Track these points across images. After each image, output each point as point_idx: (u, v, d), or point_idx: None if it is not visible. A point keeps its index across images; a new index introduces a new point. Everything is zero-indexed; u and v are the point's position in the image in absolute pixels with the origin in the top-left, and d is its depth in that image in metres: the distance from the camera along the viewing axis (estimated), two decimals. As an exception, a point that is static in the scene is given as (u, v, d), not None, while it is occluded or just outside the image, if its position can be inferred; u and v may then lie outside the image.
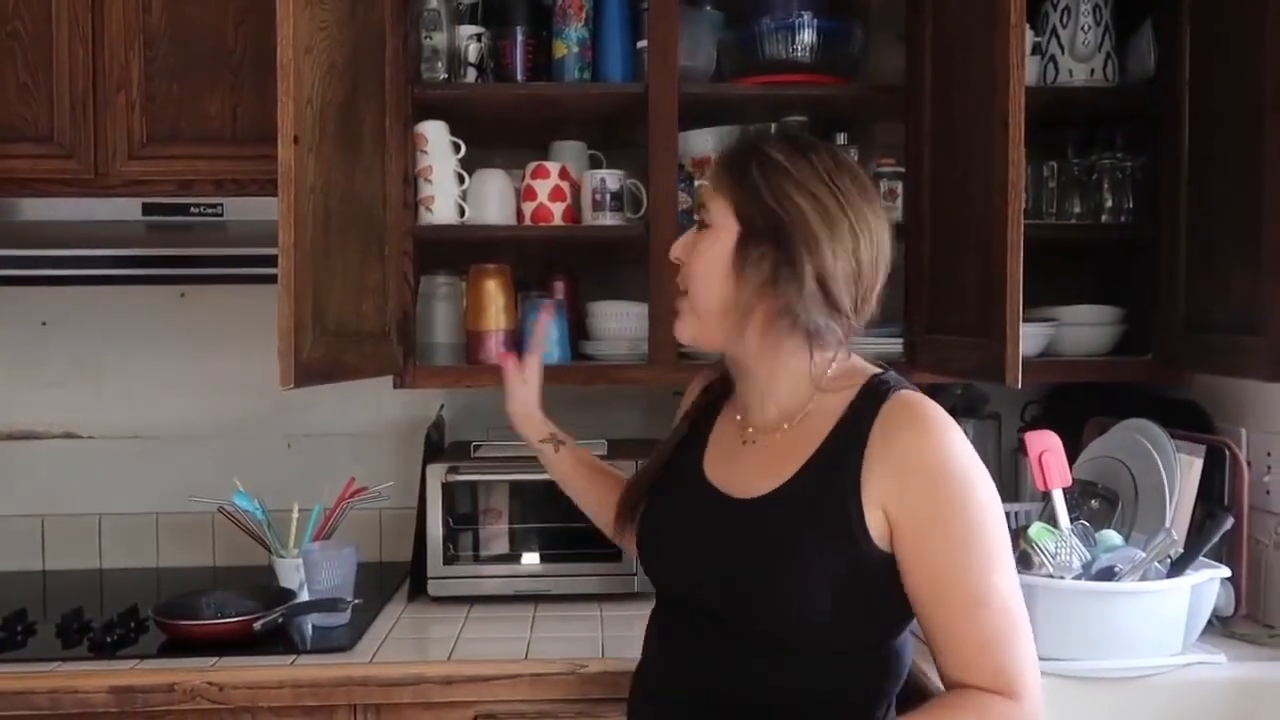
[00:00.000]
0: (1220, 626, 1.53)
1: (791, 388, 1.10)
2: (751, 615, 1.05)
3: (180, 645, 1.53)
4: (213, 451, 2.06)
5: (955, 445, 1.01)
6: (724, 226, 1.08)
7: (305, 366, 1.36)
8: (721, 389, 1.22)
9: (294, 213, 1.33)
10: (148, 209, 1.75)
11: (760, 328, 1.07)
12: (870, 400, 1.06)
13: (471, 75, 1.80)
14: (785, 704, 1.05)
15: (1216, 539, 1.42)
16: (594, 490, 1.44)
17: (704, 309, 1.10)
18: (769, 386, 1.12)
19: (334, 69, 1.46)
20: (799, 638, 1.04)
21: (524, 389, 1.49)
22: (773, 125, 1.85)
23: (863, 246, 1.06)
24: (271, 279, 1.34)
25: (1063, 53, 1.81)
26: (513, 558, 1.81)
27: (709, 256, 1.08)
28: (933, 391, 2.02)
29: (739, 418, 1.16)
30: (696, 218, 1.13)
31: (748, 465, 1.12)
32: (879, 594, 1.02)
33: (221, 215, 1.75)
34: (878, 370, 1.11)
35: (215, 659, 1.48)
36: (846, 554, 1.01)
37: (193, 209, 1.75)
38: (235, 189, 1.76)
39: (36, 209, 1.76)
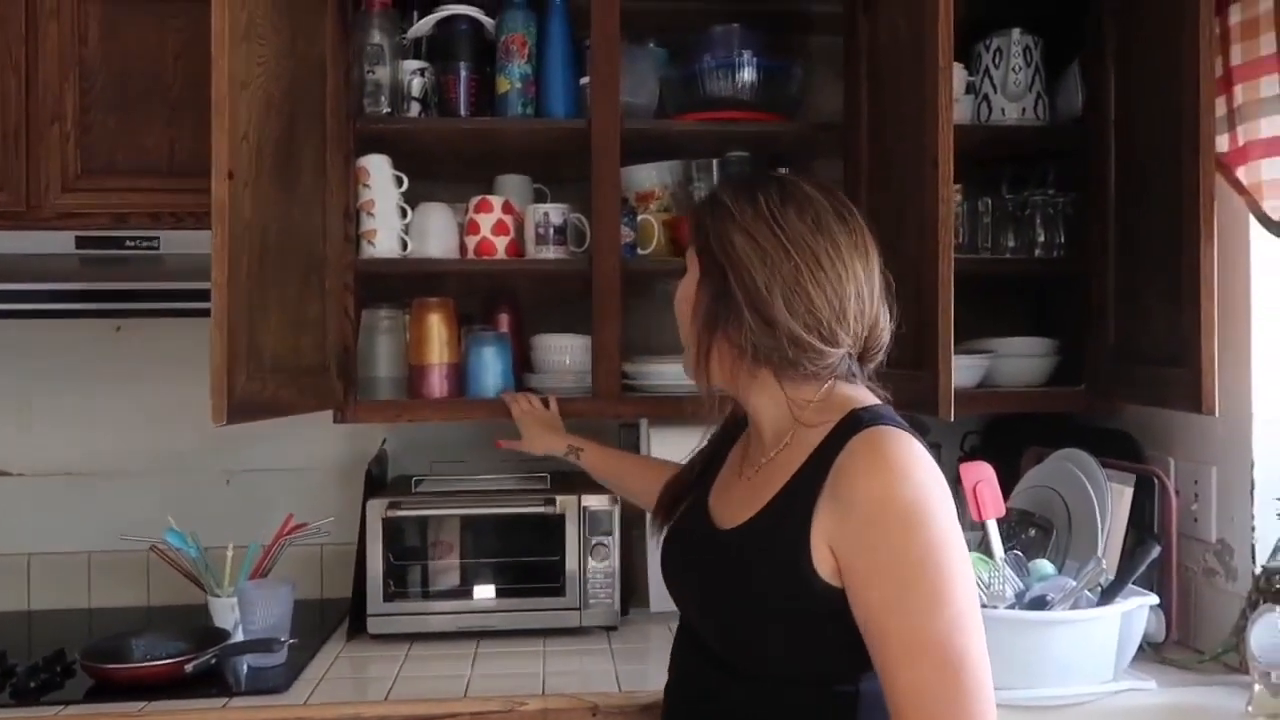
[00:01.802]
0: (1152, 653, 1.56)
1: (772, 420, 1.12)
2: (722, 643, 1.08)
3: (108, 689, 1.49)
4: (149, 488, 2.02)
5: (904, 483, 0.97)
6: (691, 269, 1.15)
7: (239, 402, 1.35)
8: (738, 422, 1.24)
9: (227, 248, 1.32)
10: (81, 242, 1.72)
11: (722, 363, 1.11)
12: (843, 434, 1.03)
13: (415, 110, 1.80)
14: None
15: (1145, 567, 1.45)
16: (625, 480, 1.67)
17: (687, 345, 1.16)
18: (755, 419, 1.15)
19: (271, 104, 1.46)
20: (761, 669, 1.05)
21: (543, 414, 1.72)
22: (714, 161, 1.88)
23: (812, 276, 1.06)
24: (208, 313, 1.33)
25: (995, 92, 1.86)
26: (455, 594, 1.79)
27: (680, 297, 1.17)
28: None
29: (746, 448, 1.20)
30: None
31: (735, 496, 1.14)
32: (837, 630, 0.99)
33: (157, 249, 1.73)
34: (866, 404, 1.07)
35: (144, 703, 1.43)
36: (796, 588, 1.00)
37: (128, 242, 1.73)
38: (172, 222, 1.74)
39: (-36, 242, 1.72)
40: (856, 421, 1.03)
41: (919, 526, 0.95)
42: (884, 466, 0.98)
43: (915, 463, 0.99)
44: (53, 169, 1.72)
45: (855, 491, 0.98)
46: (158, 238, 1.73)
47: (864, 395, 1.09)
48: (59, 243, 1.72)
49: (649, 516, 1.32)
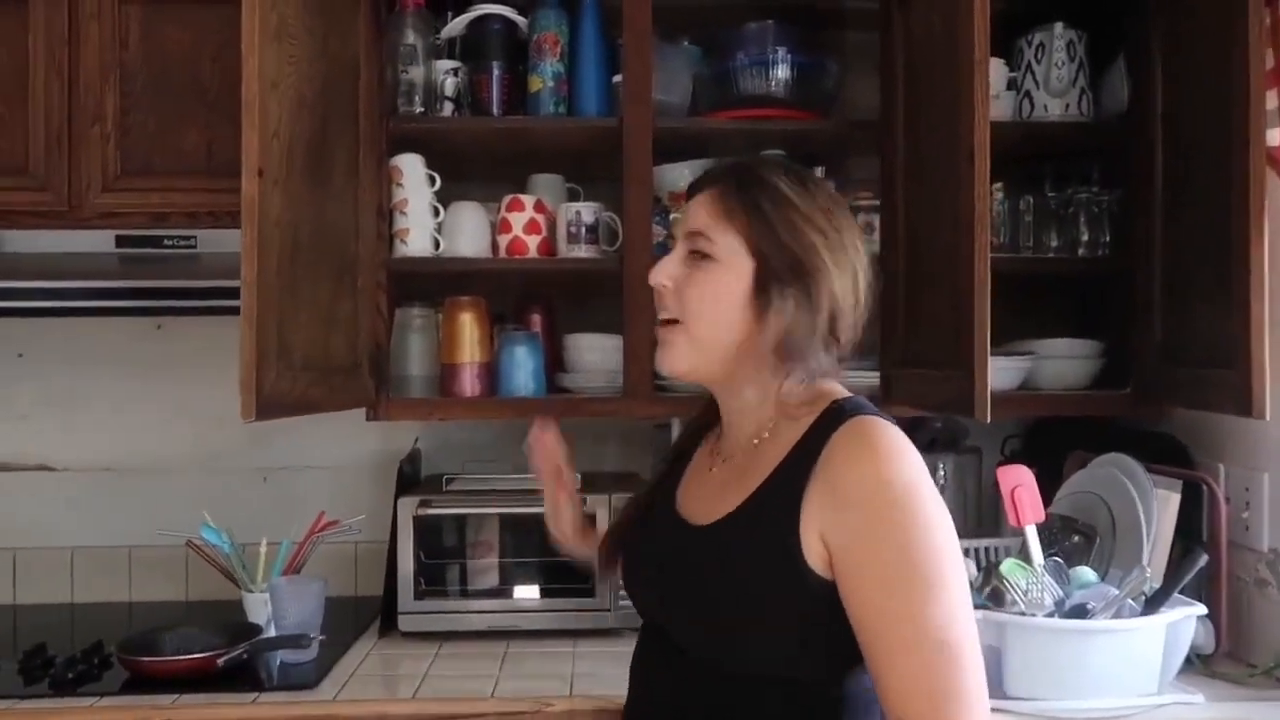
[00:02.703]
0: (1200, 665, 1.51)
1: (755, 414, 1.10)
2: (705, 644, 1.04)
3: (143, 682, 1.51)
4: (186, 484, 2.05)
5: (895, 471, 0.96)
6: (736, 261, 1.05)
7: (268, 399, 1.36)
8: (705, 421, 1.22)
9: (257, 246, 1.33)
10: (121, 241, 1.75)
11: (745, 358, 1.07)
12: (827, 425, 1.02)
13: (448, 109, 1.80)
14: None
15: (1191, 576, 1.40)
16: None
17: (710, 342, 1.07)
18: (736, 413, 1.12)
19: (303, 103, 1.46)
20: (744, 668, 1.01)
21: (571, 509, 1.39)
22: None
23: (860, 279, 1.08)
24: (240, 310, 1.34)
25: (1038, 88, 1.82)
26: (487, 593, 1.79)
27: (720, 290, 1.06)
28: (913, 425, 2.03)
29: (715, 444, 1.18)
30: (689, 245, 1.08)
31: (709, 492, 1.11)
32: (828, 625, 0.98)
33: (195, 247, 1.75)
34: (845, 395, 1.07)
35: (176, 696, 1.45)
36: (787, 581, 0.98)
37: (166, 241, 1.75)
38: (210, 221, 1.76)
39: (10, 241, 1.76)
40: (839, 412, 1.03)
41: (913, 511, 0.95)
42: (874, 454, 0.98)
43: (904, 450, 0.99)
44: (93, 169, 1.75)
45: (847, 479, 0.97)
46: (195, 237, 1.76)
47: (839, 387, 1.09)
48: (99, 242, 1.75)
49: (599, 553, 1.27)
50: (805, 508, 0.99)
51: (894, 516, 0.95)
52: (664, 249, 1.84)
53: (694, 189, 1.12)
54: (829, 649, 0.99)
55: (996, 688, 1.37)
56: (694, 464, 1.20)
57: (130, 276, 1.76)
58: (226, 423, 2.00)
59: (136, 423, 2.07)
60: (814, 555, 0.98)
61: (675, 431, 1.89)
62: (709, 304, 1.06)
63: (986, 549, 1.83)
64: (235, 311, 1.48)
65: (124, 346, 2.06)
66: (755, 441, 1.08)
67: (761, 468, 1.05)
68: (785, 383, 1.05)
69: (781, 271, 1.04)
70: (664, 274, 1.08)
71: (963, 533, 2.00)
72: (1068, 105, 1.81)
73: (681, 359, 1.08)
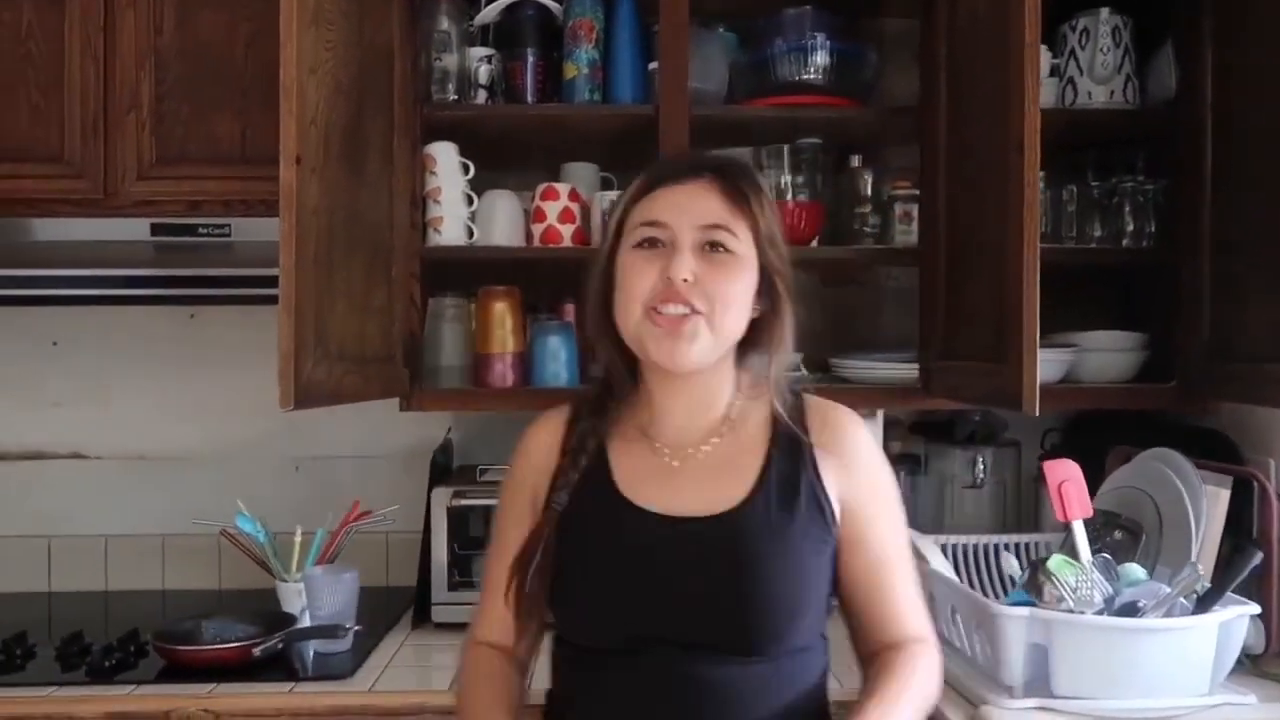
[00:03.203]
0: (1250, 665, 1.47)
1: (723, 399, 1.13)
2: (755, 630, 1.03)
3: (179, 670, 1.51)
4: (219, 473, 2.05)
5: (869, 433, 1.16)
6: (751, 256, 1.08)
7: (305, 388, 1.35)
8: (590, 425, 1.13)
9: (295, 234, 1.32)
10: (156, 229, 1.75)
11: (731, 349, 1.12)
12: (789, 404, 1.13)
13: (482, 96, 1.79)
14: (781, 712, 1.05)
15: (1245, 574, 1.37)
16: None
17: (729, 334, 1.08)
18: (711, 398, 1.13)
19: (339, 89, 1.45)
20: (791, 645, 1.06)
21: None
22: (785, 148, 1.83)
23: None
24: (278, 299, 1.33)
25: (1081, 75, 1.78)
26: (519, 585, 1.77)
27: (745, 284, 1.08)
28: (951, 418, 2.00)
29: (636, 435, 1.13)
30: (705, 237, 1.06)
31: (689, 484, 1.09)
32: (831, 582, 1.11)
33: (229, 236, 1.75)
34: (768, 375, 1.14)
35: (213, 685, 1.45)
36: (824, 547, 1.09)
37: (200, 229, 1.75)
38: (243, 209, 1.75)
39: (46, 229, 1.76)
40: (788, 390, 1.14)
41: (889, 467, 1.17)
42: (855, 421, 1.15)
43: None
44: (129, 157, 1.74)
45: (848, 445, 1.12)
46: (229, 225, 1.75)
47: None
48: (135, 230, 1.75)
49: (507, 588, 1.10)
50: (824, 475, 1.10)
51: (886, 470, 1.15)
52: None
53: (671, 178, 1.09)
54: (827, 605, 1.12)
55: (1043, 686, 1.34)
56: (626, 466, 1.10)
57: (165, 265, 1.75)
58: (259, 411, 2.02)
59: (170, 411, 2.07)
60: (837, 517, 1.10)
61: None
62: (734, 298, 1.07)
63: (1026, 545, 1.80)
64: (268, 300, 1.48)
65: (158, 335, 2.06)
66: (723, 427, 1.12)
67: (749, 449, 1.11)
68: (773, 370, 1.12)
69: (777, 269, 1.10)
70: (687, 269, 1.05)
71: (1002, 528, 1.99)
72: (1112, 92, 1.77)
73: (706, 352, 1.07)
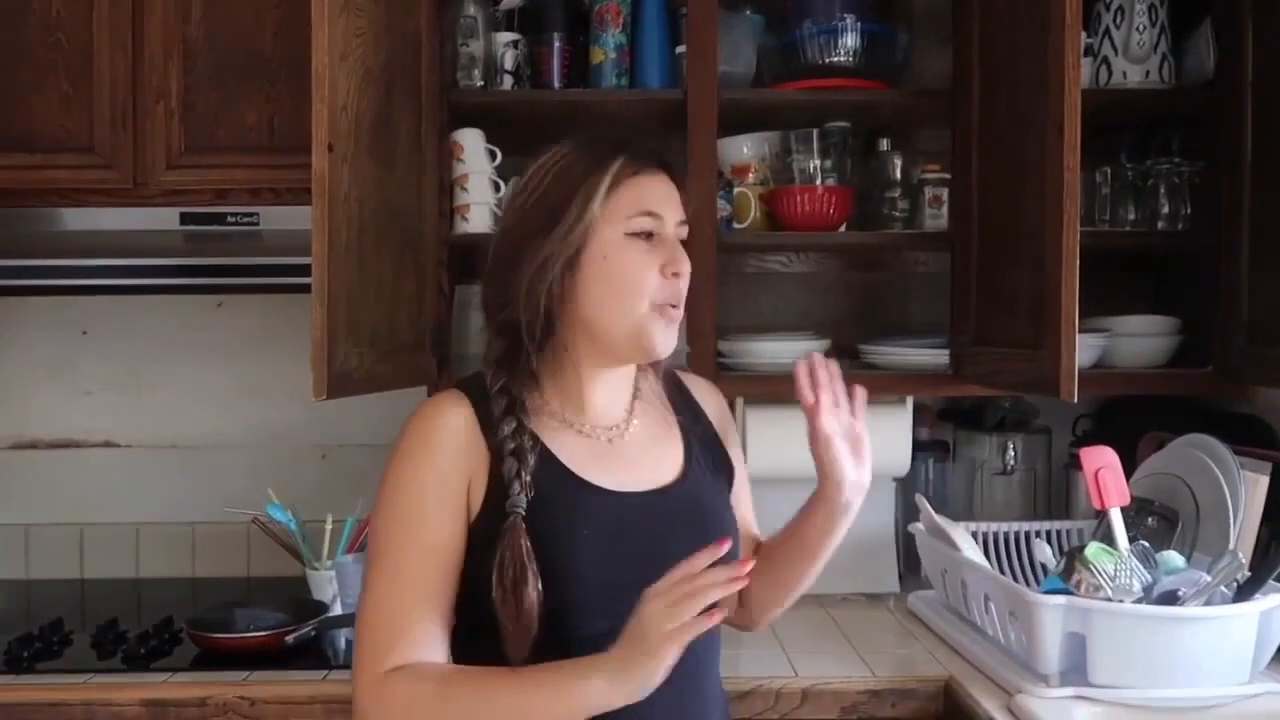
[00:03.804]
0: (1289, 654, 1.46)
1: (633, 379, 1.16)
2: None
3: (213, 658, 1.52)
4: (249, 461, 2.06)
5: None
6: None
7: (338, 377, 1.34)
8: (514, 416, 1.04)
9: (327, 221, 1.31)
10: (185, 218, 1.75)
11: None
12: (669, 378, 1.20)
13: (508, 82, 1.78)
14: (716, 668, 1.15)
15: (1287, 562, 1.35)
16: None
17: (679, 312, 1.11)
18: (628, 382, 1.14)
19: (369, 76, 1.44)
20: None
21: None
22: (814, 131, 1.81)
23: None
24: (307, 288, 1.33)
25: (1116, 54, 1.74)
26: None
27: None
28: (981, 404, 1.98)
29: (570, 426, 1.08)
30: (680, 234, 1.09)
31: (628, 461, 1.09)
32: None
33: (257, 224, 1.75)
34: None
35: (247, 673, 1.46)
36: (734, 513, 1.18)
37: (229, 218, 1.75)
38: (271, 198, 1.75)
39: (77, 219, 1.76)
40: (663, 366, 1.17)
41: None
42: (719, 389, 1.27)
43: None
44: (158, 146, 1.74)
45: (726, 412, 1.25)
46: (257, 214, 1.75)
47: None
48: (164, 219, 1.75)
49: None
50: (728, 447, 1.21)
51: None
52: (728, 224, 1.81)
53: (650, 166, 1.07)
54: None
55: (1079, 675, 1.33)
56: (563, 446, 1.06)
57: (193, 254, 1.76)
58: (286, 399, 2.03)
59: (199, 400, 2.08)
60: (734, 477, 1.21)
61: (739, 411, 1.85)
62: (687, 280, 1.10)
63: (1058, 532, 1.78)
64: (296, 289, 1.49)
65: (186, 324, 2.07)
66: (635, 405, 1.14)
67: (665, 421, 1.16)
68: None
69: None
70: (688, 266, 1.08)
71: (1032, 515, 1.97)
72: (1148, 72, 1.74)
73: (675, 338, 1.10)
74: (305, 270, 1.33)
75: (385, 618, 0.99)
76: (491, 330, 1.11)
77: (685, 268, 1.07)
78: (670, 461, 1.13)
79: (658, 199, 1.06)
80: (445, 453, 1.03)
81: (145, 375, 2.09)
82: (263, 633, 1.53)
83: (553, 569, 0.99)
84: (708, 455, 1.17)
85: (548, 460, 1.05)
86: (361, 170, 1.42)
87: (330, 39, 1.32)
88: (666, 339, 1.07)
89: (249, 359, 2.07)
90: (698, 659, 1.02)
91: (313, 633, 1.55)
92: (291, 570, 1.81)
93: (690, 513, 1.10)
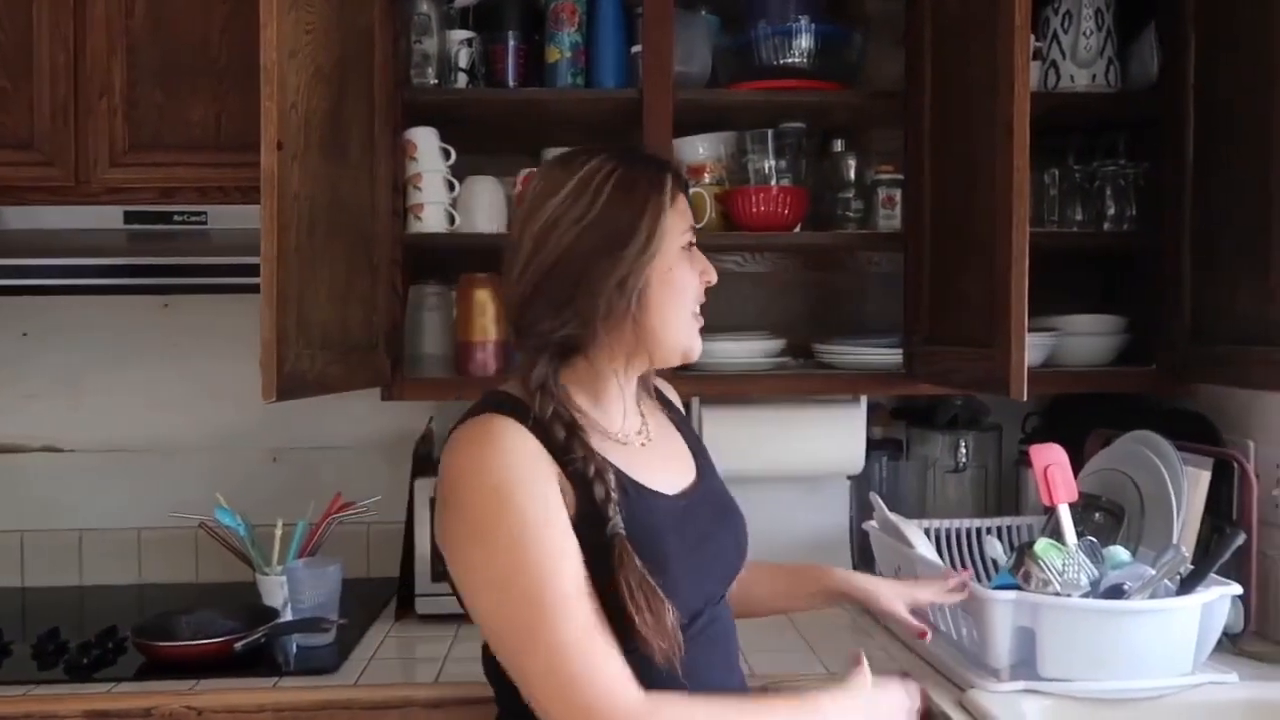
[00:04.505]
0: (1230, 644, 1.49)
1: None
2: (735, 575, 1.19)
3: (159, 667, 1.48)
4: (196, 465, 2.02)
5: None
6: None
7: (288, 379, 1.32)
8: (576, 433, 1.04)
9: (276, 221, 1.29)
10: (129, 217, 1.71)
11: None
12: (648, 382, 1.24)
13: (462, 80, 1.76)
14: None
15: (1228, 555, 1.38)
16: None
17: (697, 324, 1.15)
18: (630, 385, 1.16)
19: (320, 73, 1.42)
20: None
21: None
22: (769, 132, 1.82)
23: None
24: (256, 288, 1.31)
25: (1064, 58, 1.78)
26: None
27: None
28: (933, 403, 2.01)
29: (605, 435, 1.09)
30: (692, 235, 1.13)
31: (659, 463, 1.13)
32: None
33: (205, 223, 1.71)
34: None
35: (194, 682, 1.42)
36: None
37: (175, 217, 1.71)
38: (219, 196, 1.71)
39: (16, 217, 1.71)
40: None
41: None
42: None
43: None
44: (101, 143, 1.70)
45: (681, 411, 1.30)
46: (205, 212, 1.71)
47: None
48: (107, 218, 1.71)
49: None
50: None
51: None
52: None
53: (684, 181, 1.14)
54: None
55: (1029, 669, 1.35)
56: (624, 459, 1.08)
57: (138, 254, 1.71)
58: (236, 403, 2.00)
59: (145, 403, 2.04)
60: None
61: (695, 411, 1.86)
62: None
63: (1009, 528, 1.81)
64: (245, 289, 1.46)
65: (131, 326, 2.02)
66: (642, 409, 1.18)
67: (666, 423, 1.21)
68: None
69: None
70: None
71: (984, 511, 2.01)
72: (1094, 76, 1.77)
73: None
74: (255, 270, 1.31)
75: (593, 647, 0.94)
76: (535, 348, 1.06)
77: (713, 274, 1.14)
78: (685, 459, 1.19)
79: (693, 213, 1.14)
80: (541, 477, 0.99)
81: (88, 378, 2.04)
82: (210, 640, 1.50)
83: (658, 579, 0.99)
84: (705, 455, 1.23)
85: (616, 475, 1.04)
86: (312, 169, 1.40)
87: (279, 35, 1.29)
88: (700, 342, 1.14)
89: (197, 361, 2.03)
90: (736, 646, 1.16)
91: (263, 639, 1.52)
92: (242, 576, 1.77)
93: (720, 505, 1.18)
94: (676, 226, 1.08)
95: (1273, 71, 1.37)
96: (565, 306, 1.04)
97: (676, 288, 1.08)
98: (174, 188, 1.72)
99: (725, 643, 1.14)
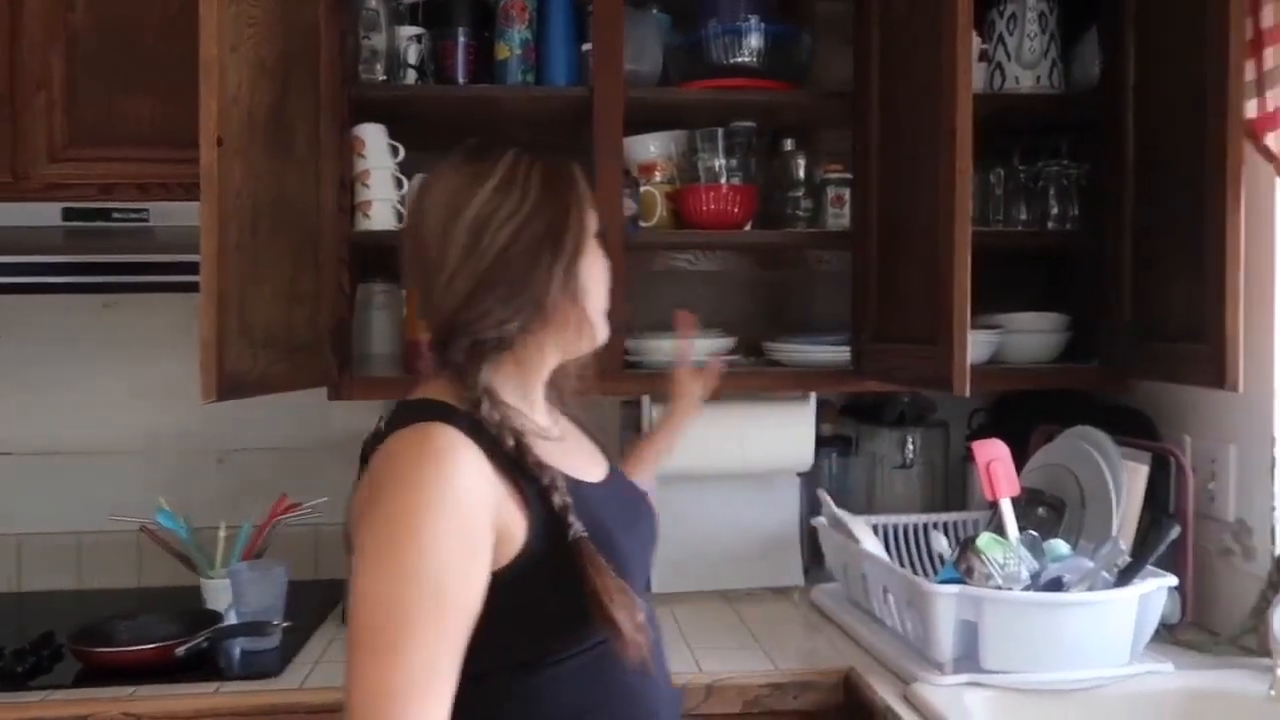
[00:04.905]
0: (1166, 634, 1.53)
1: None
2: (650, 563, 1.16)
3: (97, 674, 1.45)
4: (139, 468, 1.97)
5: None
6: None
7: (229, 379, 1.30)
8: (520, 440, 0.99)
9: (217, 218, 1.27)
10: (68, 214, 1.67)
11: None
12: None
13: (411, 77, 1.75)
14: None
15: (1164, 547, 1.41)
16: None
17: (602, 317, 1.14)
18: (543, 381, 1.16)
19: (263, 68, 1.40)
20: None
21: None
22: (719, 131, 1.83)
23: None
24: (198, 287, 1.28)
25: (1009, 60, 1.80)
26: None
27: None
28: (880, 399, 2.03)
29: (539, 430, 1.06)
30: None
31: (578, 454, 1.13)
32: None
33: (146, 220, 1.67)
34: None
35: (133, 688, 1.40)
36: None
37: (115, 214, 1.67)
38: (161, 193, 1.68)
39: (-52, 214, 1.67)
40: None
41: None
42: None
43: None
44: (39, 138, 1.66)
45: None
46: (147, 209, 1.68)
47: None
48: (45, 215, 1.66)
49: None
50: None
51: None
52: (634, 223, 1.82)
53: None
54: None
55: (972, 662, 1.37)
56: (552, 455, 1.03)
57: (78, 251, 1.68)
58: (179, 403, 1.95)
59: (85, 404, 1.99)
60: None
61: (645, 409, 1.86)
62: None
63: (955, 523, 1.84)
64: (188, 288, 1.43)
65: (71, 325, 1.97)
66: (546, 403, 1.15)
67: (565, 420, 1.18)
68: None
69: None
70: None
71: (931, 507, 2.04)
72: (1039, 77, 1.80)
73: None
74: (197, 268, 1.29)
75: (434, 694, 0.88)
76: (470, 350, 1.01)
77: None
78: (594, 449, 1.19)
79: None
80: (473, 503, 0.92)
81: (27, 379, 1.98)
82: (150, 645, 1.47)
83: (615, 566, 0.98)
84: (599, 439, 1.23)
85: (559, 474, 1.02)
86: (255, 165, 1.38)
87: (220, 28, 1.28)
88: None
89: (139, 361, 1.98)
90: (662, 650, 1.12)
91: (205, 644, 1.49)
92: (186, 580, 1.74)
93: (634, 493, 1.19)
94: (593, 215, 1.09)
95: (1207, 72, 1.40)
96: (514, 299, 1.02)
97: (597, 274, 1.09)
98: (114, 184, 1.68)
99: (659, 631, 1.12)
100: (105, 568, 1.98)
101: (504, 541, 0.95)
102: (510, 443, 0.97)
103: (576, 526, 0.96)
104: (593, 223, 1.09)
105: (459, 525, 0.91)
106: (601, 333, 1.11)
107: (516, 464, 0.97)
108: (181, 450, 2.00)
